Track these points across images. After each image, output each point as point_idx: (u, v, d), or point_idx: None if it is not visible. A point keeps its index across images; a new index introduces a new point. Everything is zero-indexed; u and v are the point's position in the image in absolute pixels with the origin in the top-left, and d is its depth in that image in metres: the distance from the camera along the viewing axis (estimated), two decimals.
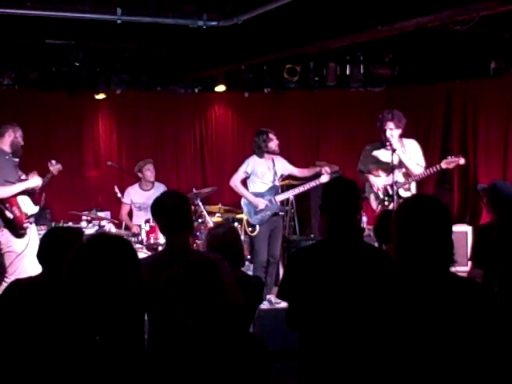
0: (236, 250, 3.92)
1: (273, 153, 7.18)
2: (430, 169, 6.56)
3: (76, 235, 3.55)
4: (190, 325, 2.58)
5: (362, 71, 8.86)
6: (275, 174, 7.26)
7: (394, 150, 6.42)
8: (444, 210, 2.46)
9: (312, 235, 8.30)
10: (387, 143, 6.49)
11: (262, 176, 7.24)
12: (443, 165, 6.49)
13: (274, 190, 7.27)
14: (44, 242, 3.55)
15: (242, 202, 7.38)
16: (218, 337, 2.59)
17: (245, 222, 7.47)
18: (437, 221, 2.41)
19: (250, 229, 7.82)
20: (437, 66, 8.55)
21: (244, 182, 7.39)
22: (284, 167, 7.40)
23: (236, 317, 2.72)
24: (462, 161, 6.53)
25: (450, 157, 6.62)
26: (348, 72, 8.91)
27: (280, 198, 7.33)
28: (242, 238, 8.37)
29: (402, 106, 7.87)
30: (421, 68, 8.76)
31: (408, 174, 6.61)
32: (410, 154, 6.61)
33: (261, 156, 7.22)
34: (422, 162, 6.66)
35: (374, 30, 5.82)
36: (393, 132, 6.50)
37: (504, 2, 4.84)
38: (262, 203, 7.17)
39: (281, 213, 7.38)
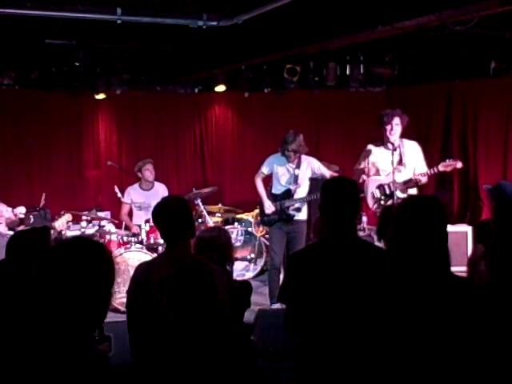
0: (223, 254, 3.90)
1: (289, 156, 6.75)
2: (428, 171, 6.55)
3: (40, 234, 3.53)
4: (181, 327, 2.59)
5: (361, 71, 8.86)
6: (295, 177, 6.84)
7: (394, 149, 6.44)
8: (439, 211, 2.46)
9: (311, 235, 8.27)
10: (389, 141, 6.51)
11: (278, 177, 6.94)
12: (441, 167, 6.50)
13: (287, 195, 6.90)
14: (10, 245, 3.52)
15: (260, 200, 7.19)
16: (208, 338, 2.59)
17: (255, 220, 7.43)
18: (431, 222, 2.41)
19: (260, 228, 7.86)
20: (437, 66, 8.55)
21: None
22: (314, 171, 6.88)
23: (225, 320, 2.73)
24: (459, 165, 6.55)
25: (448, 160, 6.63)
26: (348, 72, 8.92)
27: (287, 204, 6.88)
28: (243, 238, 8.44)
29: (401, 106, 7.85)
30: (421, 68, 8.75)
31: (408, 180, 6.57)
32: (411, 155, 6.60)
33: (284, 155, 6.80)
34: (424, 168, 6.61)
35: (374, 30, 5.82)
36: (398, 128, 6.52)
37: (504, 2, 4.83)
38: (267, 208, 6.92)
39: (294, 217, 6.90)
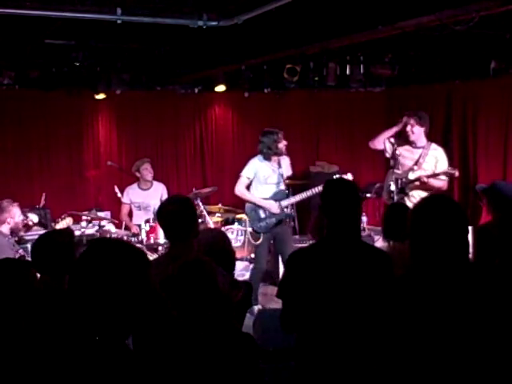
0: (226, 256, 3.88)
1: (281, 154, 6.78)
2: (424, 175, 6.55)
3: (67, 237, 3.52)
4: (184, 325, 2.59)
5: (362, 71, 8.85)
6: (281, 175, 6.79)
7: (394, 151, 6.47)
8: (461, 211, 2.47)
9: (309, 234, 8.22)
10: (411, 140, 6.55)
11: (264, 180, 6.75)
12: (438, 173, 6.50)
13: (280, 195, 6.81)
14: (37, 248, 3.49)
15: (246, 208, 6.91)
16: (210, 336, 2.60)
17: (249, 230, 7.02)
18: (454, 221, 2.42)
19: (254, 237, 7.17)
20: (437, 66, 8.54)
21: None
22: (287, 168, 6.96)
23: (228, 316, 2.73)
24: (456, 174, 6.55)
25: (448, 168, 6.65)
26: (348, 72, 8.90)
27: (285, 203, 6.80)
28: (243, 238, 8.40)
29: (401, 106, 7.88)
30: (421, 68, 8.74)
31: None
32: (431, 160, 6.58)
33: (266, 157, 6.74)
34: (443, 176, 6.54)
35: (374, 29, 5.82)
36: (414, 128, 6.57)
37: (504, 2, 4.83)
38: (276, 209, 6.72)
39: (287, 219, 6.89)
